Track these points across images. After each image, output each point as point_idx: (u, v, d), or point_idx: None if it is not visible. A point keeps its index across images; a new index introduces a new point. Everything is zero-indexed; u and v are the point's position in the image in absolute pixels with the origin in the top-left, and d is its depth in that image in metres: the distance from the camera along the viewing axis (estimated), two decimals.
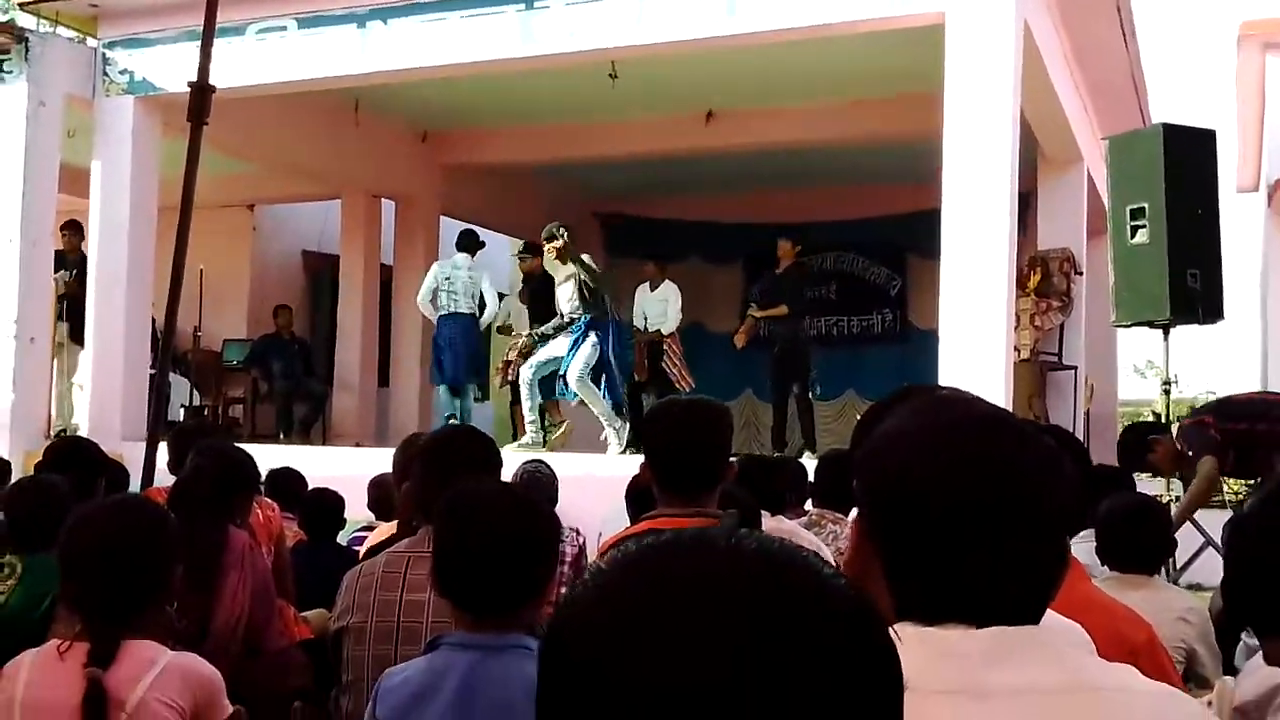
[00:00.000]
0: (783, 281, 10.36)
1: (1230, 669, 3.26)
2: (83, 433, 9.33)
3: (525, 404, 9.37)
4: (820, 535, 4.04)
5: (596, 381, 9.14)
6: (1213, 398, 19.64)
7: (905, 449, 1.23)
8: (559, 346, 9.31)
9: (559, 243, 9.28)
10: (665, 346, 10.38)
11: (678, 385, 10.14)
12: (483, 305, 10.50)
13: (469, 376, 10.57)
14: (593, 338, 9.12)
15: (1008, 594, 1.19)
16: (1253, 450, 6.00)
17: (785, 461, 5.85)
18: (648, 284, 10.77)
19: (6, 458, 6.83)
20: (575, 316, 9.25)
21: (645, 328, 10.52)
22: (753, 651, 0.70)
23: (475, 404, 10.81)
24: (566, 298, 9.34)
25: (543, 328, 9.59)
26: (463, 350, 10.42)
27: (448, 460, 2.88)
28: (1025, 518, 1.19)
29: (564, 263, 9.32)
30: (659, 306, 10.51)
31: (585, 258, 9.37)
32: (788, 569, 0.75)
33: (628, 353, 9.93)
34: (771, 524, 3.56)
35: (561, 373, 9.18)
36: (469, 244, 10.71)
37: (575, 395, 9.21)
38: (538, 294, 10.54)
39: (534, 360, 9.35)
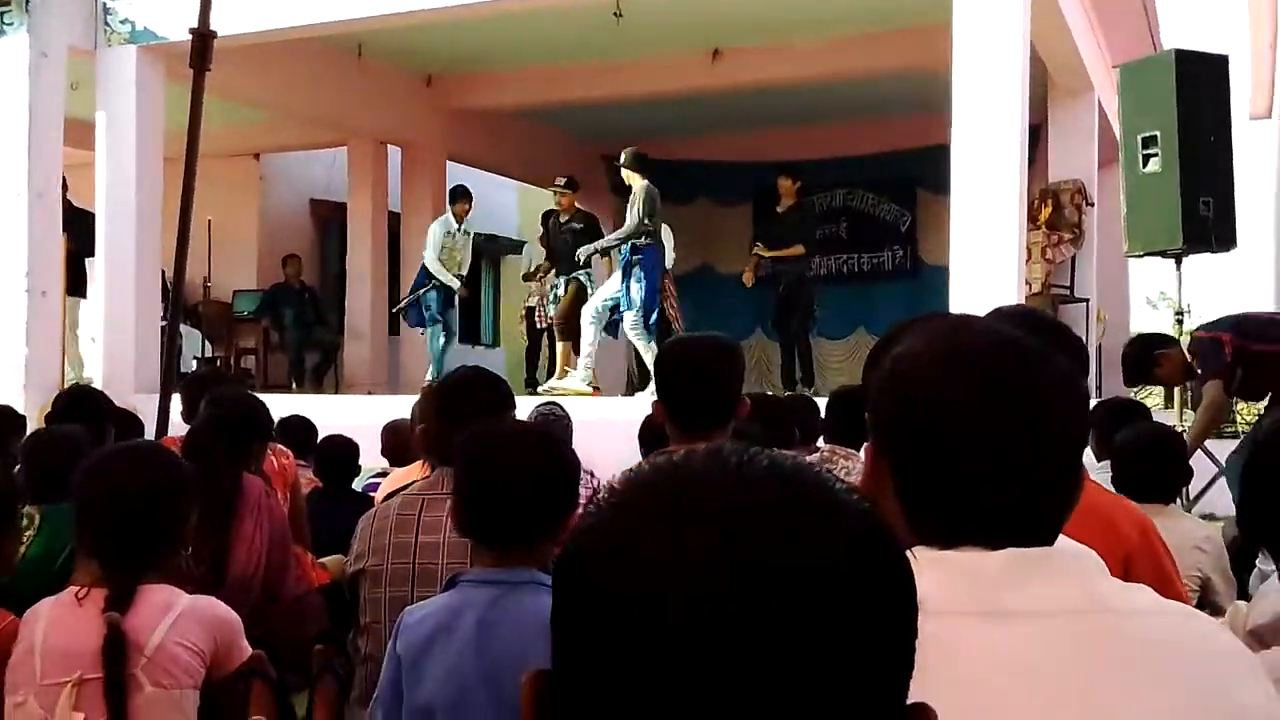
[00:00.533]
0: (787, 219, 10.33)
1: (1245, 597, 3.27)
2: (96, 385, 9.37)
3: (585, 343, 9.37)
4: (832, 471, 4.05)
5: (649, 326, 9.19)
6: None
7: (916, 372, 1.23)
8: (612, 285, 9.37)
9: (628, 158, 9.43)
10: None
11: (674, 326, 10.18)
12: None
13: (414, 321, 10.93)
14: (637, 272, 9.15)
15: (1022, 515, 1.19)
16: (1263, 372, 5.89)
17: (795, 398, 5.84)
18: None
19: (21, 411, 6.86)
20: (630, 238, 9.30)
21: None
22: (763, 565, 0.70)
23: (488, 349, 10.94)
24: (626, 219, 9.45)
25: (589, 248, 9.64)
26: None
27: (461, 402, 2.88)
28: (1036, 439, 1.19)
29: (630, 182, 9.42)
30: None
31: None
32: (799, 483, 0.75)
33: None
34: None
35: (616, 314, 9.29)
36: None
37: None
38: (564, 236, 10.46)
39: (594, 304, 9.37)
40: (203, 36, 4.78)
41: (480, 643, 2.12)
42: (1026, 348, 1.25)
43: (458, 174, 13.45)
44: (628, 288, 9.14)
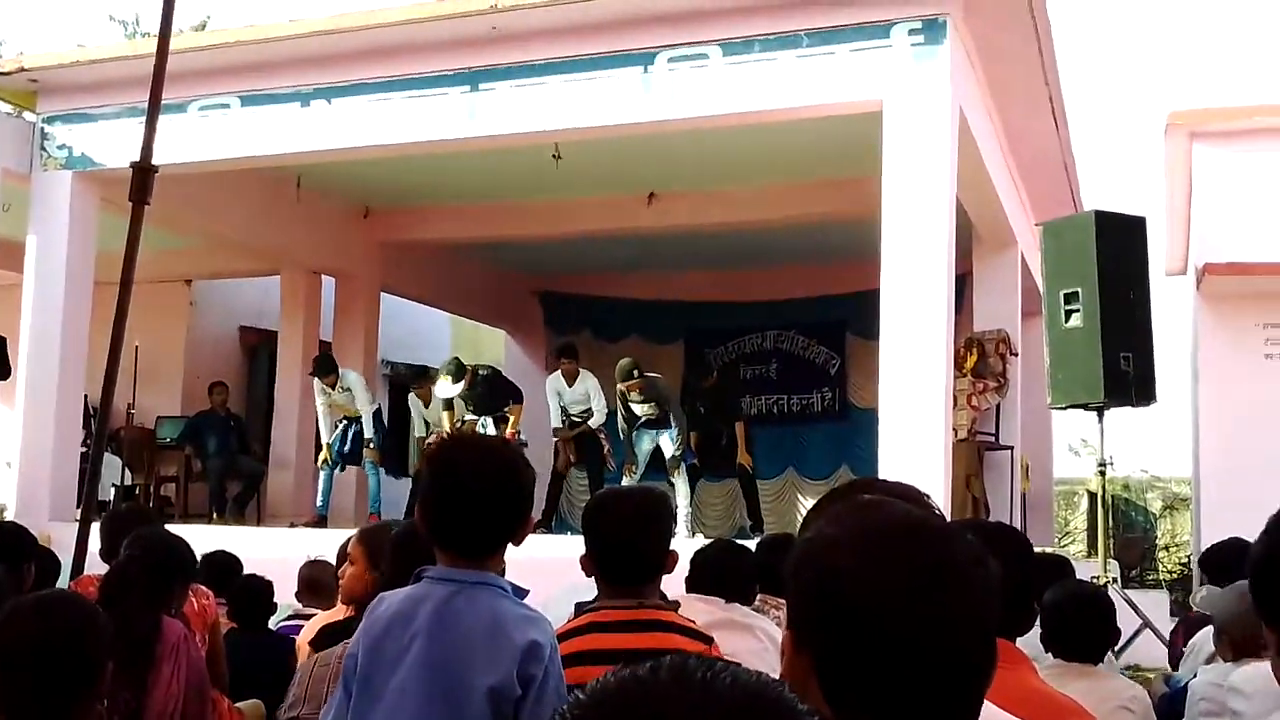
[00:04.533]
0: (720, 393, 10.68)
1: None
2: (10, 512, 9.12)
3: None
4: (763, 621, 4.02)
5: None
6: (1145, 476, 19.69)
7: (828, 559, 1.23)
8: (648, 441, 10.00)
9: (638, 381, 9.78)
10: (598, 437, 10.42)
11: (607, 464, 10.29)
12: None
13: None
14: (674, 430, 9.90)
15: (947, 697, 1.19)
16: None
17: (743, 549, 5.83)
18: (561, 376, 10.56)
19: None
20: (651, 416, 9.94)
21: (566, 421, 10.48)
22: None
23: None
24: (640, 406, 9.95)
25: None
26: None
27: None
28: (953, 619, 1.19)
29: (646, 401, 9.90)
30: (582, 398, 10.45)
31: (654, 379, 10.06)
32: (762, 702, 0.75)
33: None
34: (721, 613, 3.53)
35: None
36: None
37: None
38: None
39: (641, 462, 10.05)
40: (144, 170, 4.78)
41: (433, 631, 2.27)
42: (934, 528, 1.26)
43: (391, 305, 13.49)
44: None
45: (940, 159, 7.51)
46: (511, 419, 10.27)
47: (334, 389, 11.10)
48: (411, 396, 11.58)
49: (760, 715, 0.75)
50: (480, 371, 10.38)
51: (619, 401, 10.01)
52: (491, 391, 10.35)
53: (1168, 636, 6.58)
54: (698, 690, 0.75)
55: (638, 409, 9.92)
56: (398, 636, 2.29)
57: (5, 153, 9.64)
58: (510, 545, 2.43)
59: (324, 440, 11.29)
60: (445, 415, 10.61)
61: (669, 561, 2.88)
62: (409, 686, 2.25)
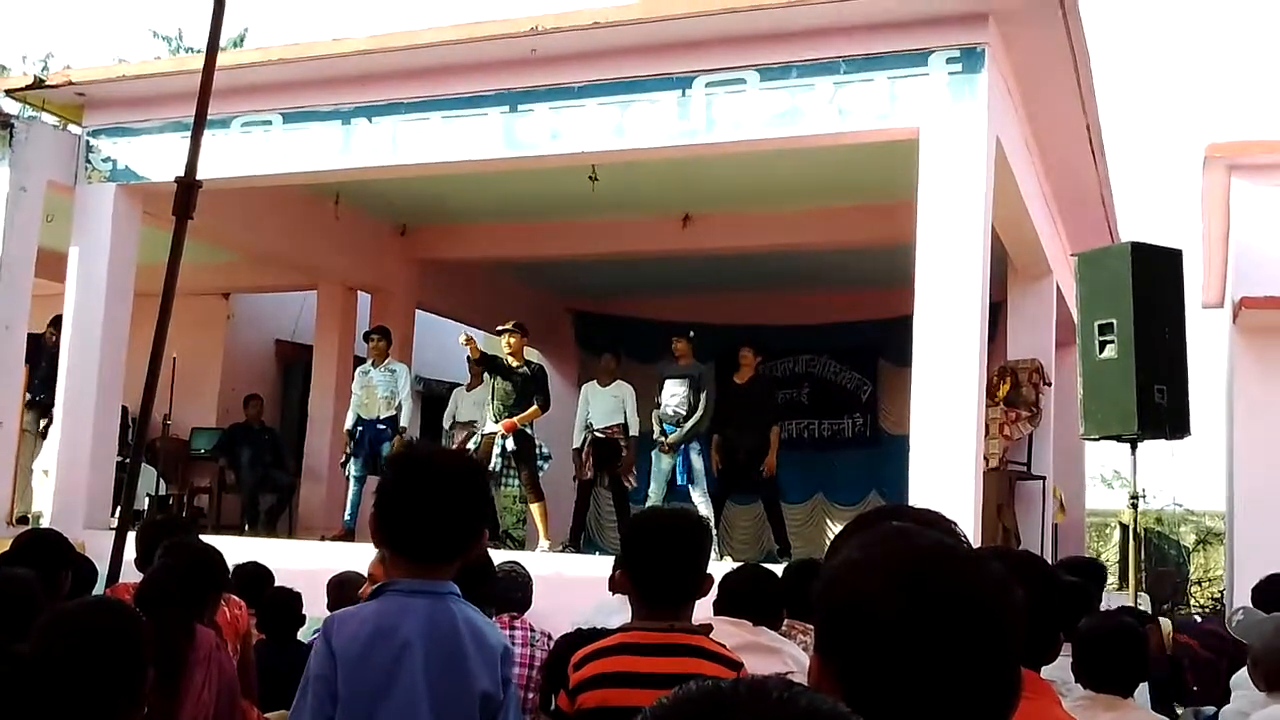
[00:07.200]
0: (752, 394, 10.40)
1: None
2: (45, 519, 9.21)
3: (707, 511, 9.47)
4: (791, 646, 4.03)
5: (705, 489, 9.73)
6: (1179, 509, 19.52)
7: (852, 583, 1.26)
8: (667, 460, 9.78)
9: (685, 343, 9.88)
10: (624, 447, 10.26)
11: (626, 482, 10.22)
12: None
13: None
14: (698, 445, 9.76)
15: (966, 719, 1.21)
16: None
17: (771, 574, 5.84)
18: (596, 380, 10.55)
19: None
20: (681, 413, 9.73)
21: (586, 437, 10.26)
22: None
23: None
24: (671, 393, 9.82)
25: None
26: None
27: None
28: (973, 645, 1.21)
29: (689, 362, 9.91)
30: (613, 404, 10.27)
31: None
32: None
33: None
34: (749, 637, 3.55)
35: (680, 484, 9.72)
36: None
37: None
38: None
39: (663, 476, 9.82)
40: (188, 186, 4.84)
41: (425, 644, 2.32)
42: (960, 554, 1.28)
43: (425, 323, 13.56)
44: (690, 464, 9.65)
45: (976, 187, 7.50)
46: (524, 414, 9.67)
47: (380, 363, 10.70)
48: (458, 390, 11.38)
49: None
50: (533, 362, 10.15)
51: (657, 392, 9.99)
52: (526, 383, 9.80)
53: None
54: (773, 708, 0.79)
55: (673, 387, 9.81)
56: (383, 651, 2.32)
57: (51, 165, 9.76)
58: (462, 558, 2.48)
59: (346, 425, 10.84)
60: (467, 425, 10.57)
61: (705, 585, 2.92)
62: (416, 696, 2.30)
